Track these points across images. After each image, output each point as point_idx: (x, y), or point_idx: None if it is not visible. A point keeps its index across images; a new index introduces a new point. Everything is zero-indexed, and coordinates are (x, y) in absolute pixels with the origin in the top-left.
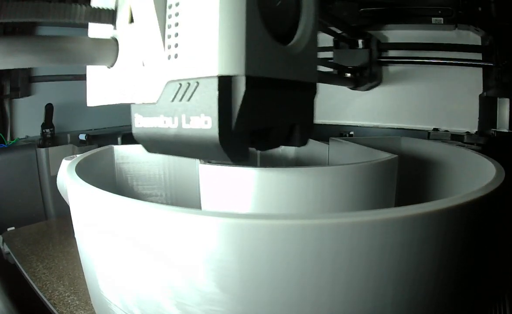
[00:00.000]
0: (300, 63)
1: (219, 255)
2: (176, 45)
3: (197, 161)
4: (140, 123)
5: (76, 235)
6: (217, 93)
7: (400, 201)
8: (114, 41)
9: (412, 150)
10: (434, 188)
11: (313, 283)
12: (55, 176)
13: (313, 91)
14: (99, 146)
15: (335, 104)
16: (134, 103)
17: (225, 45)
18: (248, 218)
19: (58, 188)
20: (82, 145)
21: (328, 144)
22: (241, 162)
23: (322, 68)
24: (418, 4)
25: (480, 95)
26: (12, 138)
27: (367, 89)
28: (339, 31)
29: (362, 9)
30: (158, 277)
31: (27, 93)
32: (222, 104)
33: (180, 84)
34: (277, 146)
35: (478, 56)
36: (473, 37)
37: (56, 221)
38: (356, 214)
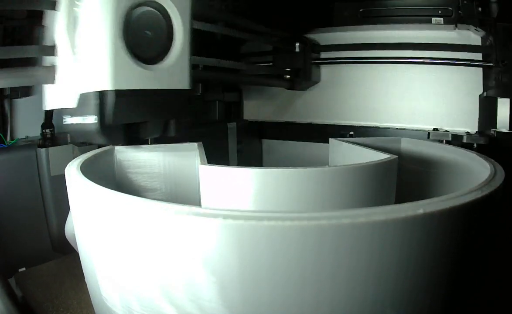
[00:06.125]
0: (170, 76)
1: (219, 256)
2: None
3: (197, 162)
4: (68, 120)
5: (76, 235)
6: (98, 101)
7: (400, 202)
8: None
9: (412, 150)
10: (434, 189)
11: (312, 283)
12: (55, 176)
13: (185, 95)
14: (99, 146)
15: (336, 104)
16: (65, 108)
17: (100, 71)
18: (248, 220)
19: (66, 236)
20: (82, 145)
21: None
22: (117, 143)
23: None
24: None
25: (480, 95)
26: (12, 138)
27: (304, 89)
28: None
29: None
30: (158, 275)
31: (27, 93)
32: (101, 107)
33: (83, 96)
34: (157, 135)
35: (478, 56)
36: (473, 37)
37: (64, 261)
38: (354, 214)
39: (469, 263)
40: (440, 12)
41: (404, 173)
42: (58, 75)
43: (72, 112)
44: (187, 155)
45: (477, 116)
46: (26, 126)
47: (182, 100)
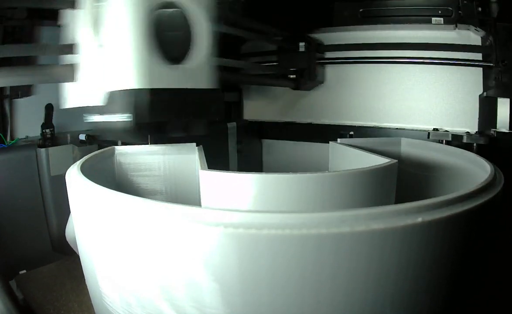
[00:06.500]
0: (195, 75)
1: (219, 262)
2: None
3: (197, 165)
4: (93, 118)
5: (76, 235)
6: (133, 98)
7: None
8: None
9: (412, 152)
10: (434, 190)
11: (312, 289)
12: (55, 176)
13: (210, 95)
14: (99, 146)
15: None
16: (88, 106)
17: (130, 69)
18: (248, 228)
19: (67, 238)
20: (82, 145)
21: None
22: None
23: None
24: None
25: (480, 95)
26: (12, 138)
27: (309, 89)
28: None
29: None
30: (158, 277)
31: (27, 93)
32: (136, 105)
33: (114, 94)
34: (181, 134)
35: (478, 56)
36: (473, 37)
37: (65, 263)
38: (354, 221)
39: (468, 267)
40: (440, 12)
41: (404, 175)
42: (80, 73)
43: (99, 110)
44: (187, 155)
45: (477, 116)
46: (26, 126)
47: (214, 99)
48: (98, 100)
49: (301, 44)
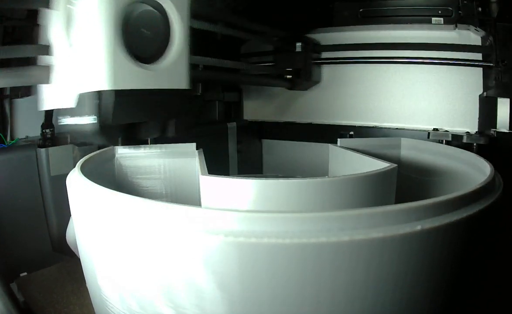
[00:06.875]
0: (169, 75)
1: (220, 268)
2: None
3: (198, 169)
4: (65, 120)
5: (76, 236)
6: (97, 101)
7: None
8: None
9: (412, 154)
10: (434, 195)
11: (312, 297)
12: (55, 176)
13: (184, 95)
14: (99, 146)
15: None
16: (62, 108)
17: (98, 70)
18: (248, 237)
19: (68, 242)
20: (82, 145)
21: (328, 145)
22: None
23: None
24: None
25: (480, 95)
26: (12, 138)
27: (305, 89)
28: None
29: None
30: (158, 278)
31: (27, 93)
32: (100, 108)
33: (82, 96)
34: (156, 135)
35: (478, 56)
36: (473, 37)
37: (65, 265)
38: (353, 231)
39: (467, 272)
40: (440, 12)
41: (404, 180)
42: (55, 75)
43: (70, 112)
44: (187, 156)
45: (477, 116)
46: (26, 126)
47: (181, 100)
48: (71, 102)
49: (298, 44)
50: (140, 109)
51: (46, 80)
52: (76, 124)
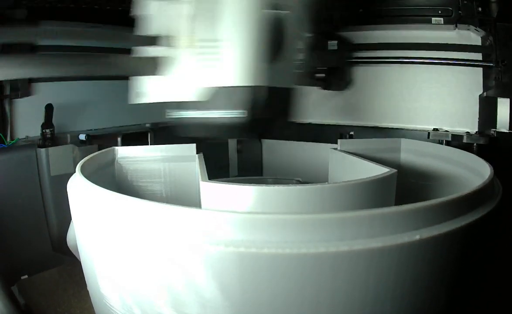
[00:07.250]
0: (287, 74)
1: (220, 276)
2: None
3: (197, 172)
4: (186, 114)
5: (77, 236)
6: (246, 96)
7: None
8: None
9: (411, 158)
10: (434, 196)
11: (312, 306)
12: (55, 176)
13: (288, 93)
14: (99, 146)
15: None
16: (184, 101)
17: (242, 67)
18: (249, 247)
19: (68, 245)
20: (82, 145)
21: (329, 146)
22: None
23: None
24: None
25: (480, 95)
26: (12, 138)
27: (340, 90)
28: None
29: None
30: (158, 279)
31: (27, 93)
32: (250, 101)
33: (220, 90)
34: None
35: (478, 56)
36: (473, 37)
37: (66, 268)
38: (352, 241)
39: (466, 278)
40: (440, 12)
41: (403, 185)
42: (171, 68)
43: (195, 105)
44: (187, 159)
45: (477, 116)
46: (26, 126)
47: (286, 97)
48: (193, 95)
49: (333, 42)
50: (279, 105)
51: (152, 72)
52: (208, 118)
